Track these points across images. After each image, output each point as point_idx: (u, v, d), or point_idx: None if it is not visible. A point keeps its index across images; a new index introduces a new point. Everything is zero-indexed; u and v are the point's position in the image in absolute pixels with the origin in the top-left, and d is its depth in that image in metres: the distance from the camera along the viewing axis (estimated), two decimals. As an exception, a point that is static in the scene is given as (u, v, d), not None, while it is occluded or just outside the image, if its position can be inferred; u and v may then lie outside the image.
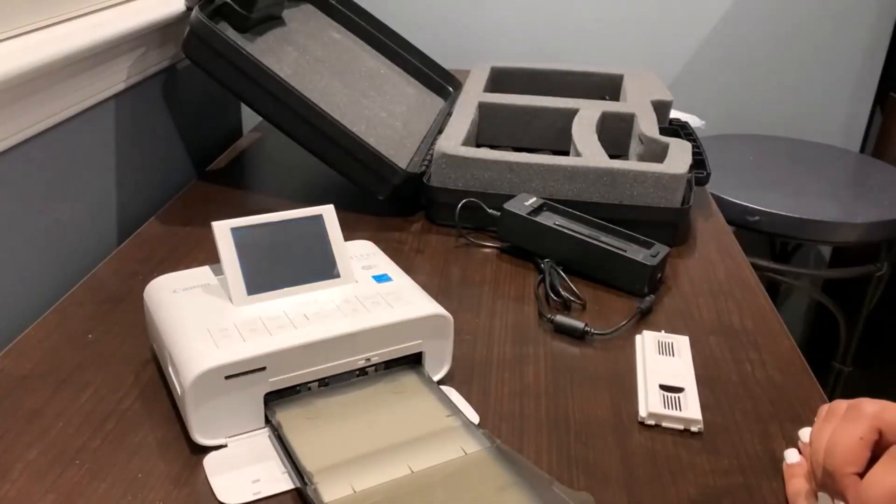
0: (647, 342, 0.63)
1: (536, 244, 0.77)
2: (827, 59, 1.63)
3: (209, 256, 0.77)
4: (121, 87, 0.85)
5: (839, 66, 1.64)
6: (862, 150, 1.72)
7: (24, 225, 0.70)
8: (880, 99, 1.68)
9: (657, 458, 0.52)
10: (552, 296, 0.71)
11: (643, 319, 0.69)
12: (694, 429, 0.55)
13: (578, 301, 0.71)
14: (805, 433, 0.53)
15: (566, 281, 0.73)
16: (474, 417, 0.56)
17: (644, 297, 0.72)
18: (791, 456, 0.51)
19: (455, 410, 0.53)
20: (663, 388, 0.58)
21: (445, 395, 0.55)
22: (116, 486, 0.48)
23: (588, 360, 0.63)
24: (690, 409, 0.56)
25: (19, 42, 0.70)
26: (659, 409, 0.55)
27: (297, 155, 0.85)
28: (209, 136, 1.12)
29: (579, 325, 0.66)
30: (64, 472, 0.49)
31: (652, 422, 0.55)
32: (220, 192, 0.93)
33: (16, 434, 0.52)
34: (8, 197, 0.68)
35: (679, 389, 0.57)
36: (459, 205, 0.81)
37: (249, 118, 1.25)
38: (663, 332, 0.66)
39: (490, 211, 0.81)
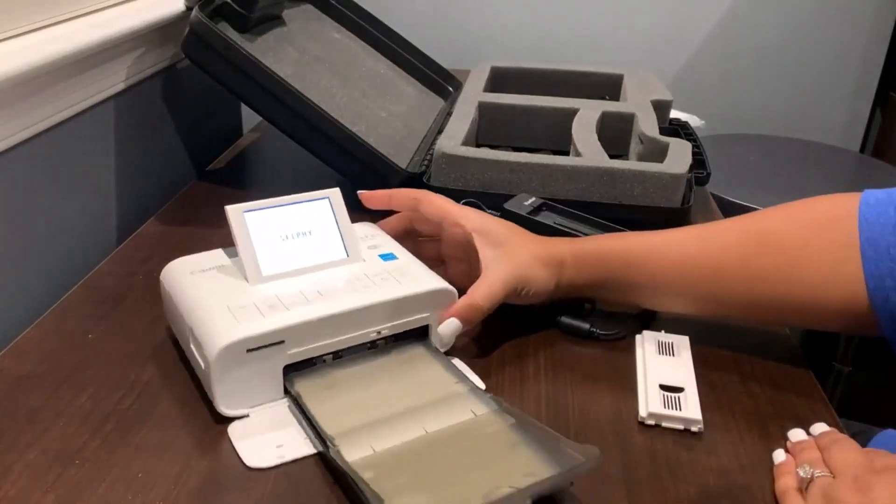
0: (646, 342, 0.63)
1: (536, 244, 0.77)
2: (827, 59, 1.63)
3: (209, 256, 0.77)
4: (121, 87, 0.85)
5: (839, 66, 1.64)
6: (862, 150, 1.72)
7: (23, 225, 0.70)
8: (880, 99, 1.68)
9: (657, 458, 0.52)
10: None
11: (648, 320, 0.69)
12: (694, 429, 0.55)
13: (588, 301, 0.71)
14: (794, 434, 0.53)
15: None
16: (480, 384, 0.58)
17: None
18: (779, 456, 0.52)
19: (462, 377, 0.56)
20: (663, 387, 0.58)
21: (452, 363, 0.58)
22: (116, 486, 0.48)
23: (588, 360, 0.63)
24: (690, 409, 0.56)
25: (19, 42, 0.70)
26: (659, 409, 0.55)
27: (297, 155, 0.85)
28: (209, 136, 1.12)
29: (584, 325, 0.65)
30: (64, 472, 0.49)
31: (652, 422, 0.55)
32: (220, 192, 0.93)
33: (16, 434, 0.52)
34: (8, 197, 0.68)
35: (679, 389, 0.57)
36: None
37: (249, 118, 1.25)
38: (663, 332, 0.66)
39: (489, 212, 0.80)
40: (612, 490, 0.50)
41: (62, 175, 0.76)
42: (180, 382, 0.58)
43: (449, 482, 0.46)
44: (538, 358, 0.63)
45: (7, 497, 0.47)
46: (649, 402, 0.56)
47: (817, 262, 0.57)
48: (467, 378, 0.57)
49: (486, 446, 0.49)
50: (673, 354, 0.62)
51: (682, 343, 0.63)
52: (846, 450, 0.49)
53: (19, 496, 0.47)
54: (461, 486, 0.45)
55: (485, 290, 0.60)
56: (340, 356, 0.57)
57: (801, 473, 0.47)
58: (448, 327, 0.58)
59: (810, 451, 0.50)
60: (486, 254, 0.62)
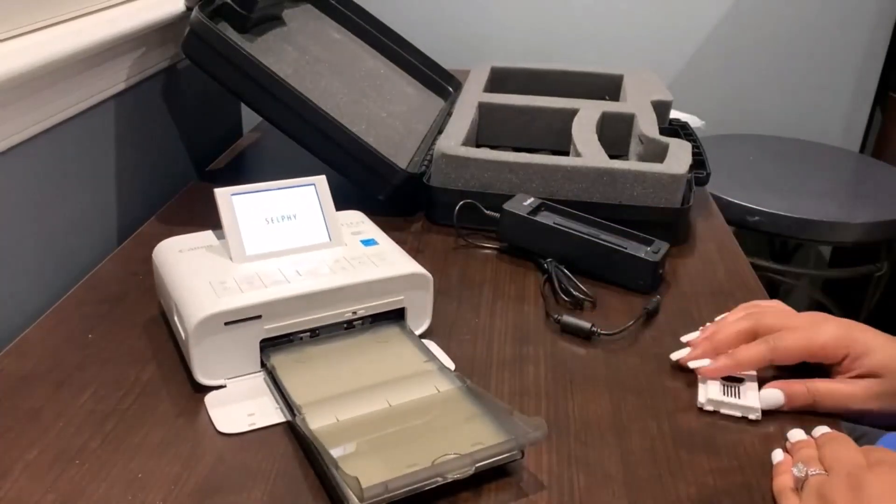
0: None
1: (537, 244, 0.77)
2: (827, 59, 1.63)
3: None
4: (121, 87, 0.85)
5: (839, 66, 1.64)
6: (862, 150, 1.72)
7: (24, 225, 0.70)
8: (880, 99, 1.68)
9: (657, 458, 0.52)
10: (562, 295, 0.71)
11: (649, 320, 0.69)
12: (752, 416, 0.56)
13: (589, 299, 0.71)
14: (794, 434, 0.54)
15: (573, 280, 0.73)
16: (450, 364, 0.61)
17: (647, 293, 0.72)
18: (777, 456, 0.52)
19: (432, 357, 0.59)
20: (724, 377, 0.59)
21: (424, 345, 0.61)
22: (116, 486, 0.48)
23: (588, 360, 0.63)
24: (749, 398, 0.57)
25: (19, 42, 0.70)
26: (718, 396, 0.57)
27: (297, 155, 0.85)
28: (209, 136, 1.12)
29: (586, 325, 0.65)
30: (64, 472, 0.49)
31: (711, 408, 0.57)
32: (220, 192, 0.93)
33: (16, 434, 0.52)
34: (8, 196, 0.68)
35: (739, 380, 0.59)
36: (457, 206, 0.81)
37: (249, 118, 1.25)
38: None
39: (488, 213, 0.81)
40: (613, 490, 0.50)
41: (62, 175, 0.76)
42: (181, 381, 0.58)
43: (403, 449, 0.49)
44: (538, 357, 0.63)
45: (7, 497, 0.47)
46: (709, 390, 0.58)
47: None
48: (436, 358, 0.59)
49: (443, 419, 0.52)
50: None
51: None
52: (840, 447, 0.49)
53: (19, 496, 0.47)
54: (413, 452, 0.48)
55: (841, 390, 0.56)
56: (317, 334, 0.60)
57: (796, 472, 0.47)
58: (769, 398, 0.57)
59: (807, 449, 0.50)
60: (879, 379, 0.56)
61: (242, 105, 1.26)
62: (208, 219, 0.84)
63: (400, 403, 0.53)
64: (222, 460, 0.51)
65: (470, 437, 0.49)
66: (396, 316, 0.63)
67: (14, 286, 0.70)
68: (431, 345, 0.63)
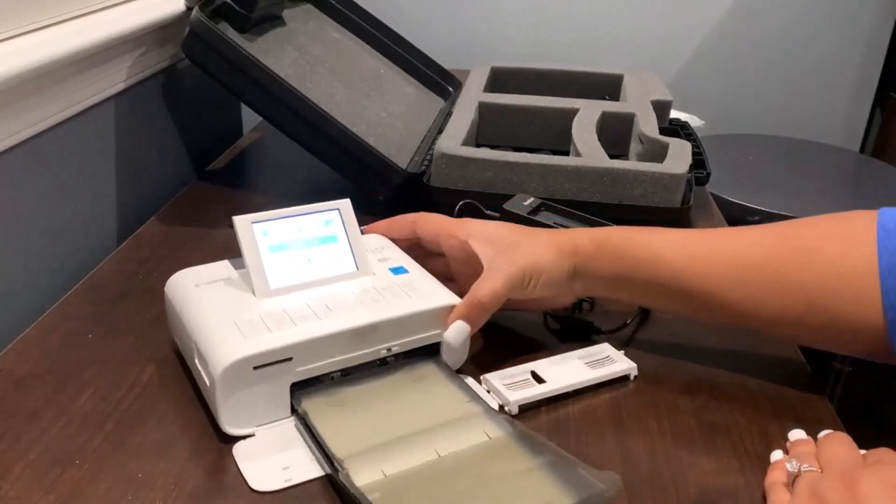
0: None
1: (536, 244, 0.77)
2: (827, 59, 1.63)
3: (209, 256, 0.76)
4: (121, 87, 0.85)
5: (839, 66, 1.64)
6: (862, 150, 1.72)
7: (24, 225, 0.70)
8: (880, 99, 1.68)
9: (657, 458, 0.52)
10: None
11: (646, 319, 0.69)
12: (507, 408, 0.56)
13: (587, 299, 0.71)
14: (794, 434, 0.53)
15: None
16: (493, 403, 0.56)
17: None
18: (777, 456, 0.52)
19: (475, 396, 0.54)
20: (534, 375, 0.59)
21: (464, 381, 0.57)
22: (116, 486, 0.48)
23: (588, 360, 0.63)
24: (517, 394, 0.56)
25: (19, 42, 0.70)
26: (496, 381, 0.57)
27: (297, 155, 0.86)
28: (209, 136, 1.12)
29: (587, 322, 0.65)
30: (64, 472, 0.49)
31: (485, 387, 0.58)
32: (220, 192, 0.93)
33: (16, 434, 0.52)
34: (8, 197, 0.68)
35: (541, 381, 0.58)
36: (457, 206, 0.81)
37: (249, 118, 1.25)
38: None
39: (488, 213, 0.81)
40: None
41: (62, 175, 0.76)
42: (181, 383, 0.58)
43: None
44: (537, 357, 0.63)
45: (7, 497, 0.47)
46: (496, 377, 0.58)
47: (838, 283, 0.55)
48: (479, 397, 0.55)
49: (500, 472, 0.47)
50: (604, 365, 0.61)
51: (622, 360, 0.61)
52: (838, 445, 0.48)
53: (19, 496, 0.47)
54: None
55: (486, 285, 0.57)
56: (349, 373, 0.55)
57: (789, 467, 0.47)
58: (455, 332, 0.56)
59: (804, 447, 0.50)
60: (484, 252, 0.60)
61: (242, 105, 1.26)
62: (208, 219, 0.84)
63: (449, 453, 0.48)
64: (222, 460, 0.50)
65: (535, 495, 0.45)
66: (431, 350, 0.58)
67: (14, 286, 0.70)
68: (469, 380, 0.59)
